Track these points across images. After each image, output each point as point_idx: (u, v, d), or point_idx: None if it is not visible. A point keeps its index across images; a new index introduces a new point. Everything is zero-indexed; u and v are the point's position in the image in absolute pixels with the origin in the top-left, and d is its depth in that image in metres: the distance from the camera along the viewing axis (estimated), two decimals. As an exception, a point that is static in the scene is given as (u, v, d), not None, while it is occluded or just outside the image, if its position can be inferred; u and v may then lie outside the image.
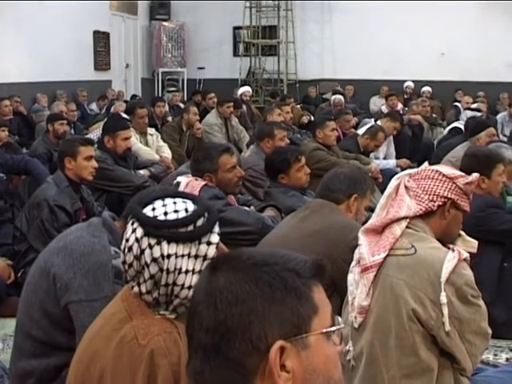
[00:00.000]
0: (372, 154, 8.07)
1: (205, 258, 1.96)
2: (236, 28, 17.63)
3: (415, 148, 9.43)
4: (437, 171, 2.63)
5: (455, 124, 9.56)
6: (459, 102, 12.90)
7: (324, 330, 1.29)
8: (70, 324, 2.77)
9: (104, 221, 2.87)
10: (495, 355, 3.98)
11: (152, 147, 7.63)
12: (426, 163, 7.65)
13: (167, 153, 7.71)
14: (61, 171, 4.81)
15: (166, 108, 11.01)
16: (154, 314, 1.99)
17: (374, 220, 2.63)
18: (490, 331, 2.56)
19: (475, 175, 2.69)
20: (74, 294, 2.75)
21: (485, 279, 4.08)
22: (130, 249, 1.98)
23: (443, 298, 2.38)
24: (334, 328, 1.32)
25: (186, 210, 1.98)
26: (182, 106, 12.29)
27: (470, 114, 9.98)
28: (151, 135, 7.76)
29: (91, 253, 2.77)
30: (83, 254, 2.77)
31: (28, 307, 2.89)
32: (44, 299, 2.83)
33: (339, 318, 1.37)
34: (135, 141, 7.12)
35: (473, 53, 14.94)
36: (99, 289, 2.74)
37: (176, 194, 2.10)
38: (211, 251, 1.97)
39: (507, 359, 3.94)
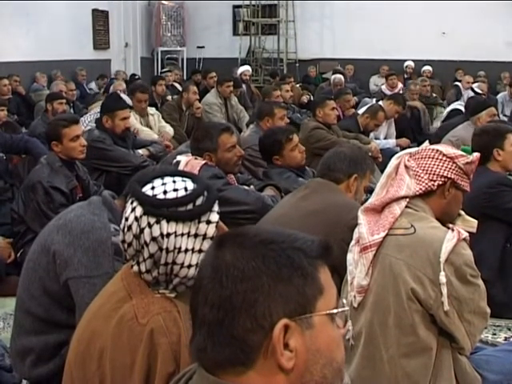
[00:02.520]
0: (372, 134, 8.05)
1: (204, 236, 1.97)
2: (236, 7, 17.54)
3: (414, 129, 9.41)
4: (437, 151, 2.62)
5: (455, 105, 9.51)
6: (459, 81, 12.87)
7: (329, 312, 1.29)
8: (69, 301, 2.79)
9: (104, 199, 2.88)
10: (494, 334, 4.00)
11: (154, 127, 7.60)
12: (426, 142, 7.64)
13: (169, 128, 7.72)
14: (53, 151, 4.79)
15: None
16: (154, 293, 1.99)
17: (374, 199, 2.63)
18: (488, 311, 2.56)
19: (476, 155, 2.68)
20: (73, 271, 2.76)
21: (487, 257, 4.10)
22: (130, 228, 1.98)
23: (442, 278, 2.38)
24: (339, 310, 1.31)
25: (186, 189, 1.98)
26: (177, 85, 12.22)
27: (471, 94, 9.94)
28: (152, 115, 7.74)
29: (91, 230, 2.78)
30: (83, 232, 2.78)
31: (28, 284, 2.90)
32: (44, 276, 2.84)
33: (344, 301, 1.36)
34: (134, 121, 7.09)
35: (473, 32, 14.87)
36: (99, 265, 2.75)
37: (175, 172, 2.11)
38: (211, 230, 1.97)
39: (506, 338, 3.95)
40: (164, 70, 15.04)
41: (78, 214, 2.87)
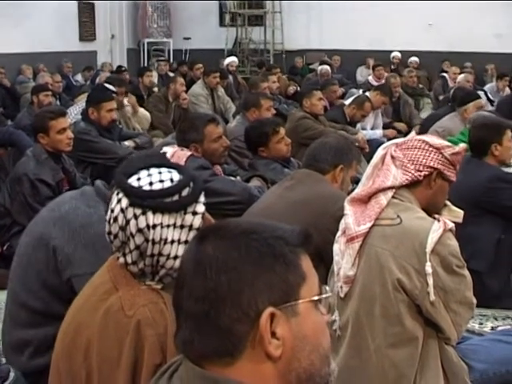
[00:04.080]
0: (359, 125, 8.07)
1: (190, 227, 1.96)
2: (222, -2, 17.51)
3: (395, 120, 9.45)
4: (423, 141, 2.62)
5: None
6: (446, 72, 12.89)
7: (313, 298, 1.30)
8: (71, 296, 2.76)
9: (97, 190, 2.85)
10: (480, 324, 4.02)
11: (132, 118, 7.53)
12: (413, 133, 7.66)
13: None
14: (39, 143, 4.76)
15: (155, 78, 10.94)
16: (140, 285, 1.99)
17: (360, 189, 2.62)
18: (474, 301, 2.57)
19: (462, 145, 2.69)
20: (77, 268, 2.73)
21: (482, 249, 4.13)
22: (116, 219, 1.97)
23: (428, 268, 2.39)
24: (323, 296, 1.32)
25: (172, 180, 1.97)
26: (171, 74, 12.19)
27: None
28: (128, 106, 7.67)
29: (89, 224, 2.75)
30: (82, 226, 2.76)
31: (24, 279, 2.87)
32: (42, 270, 2.81)
33: (326, 287, 1.37)
34: None
35: (460, 23, 14.90)
36: (101, 260, 2.71)
37: (161, 163, 2.09)
38: (197, 221, 1.97)
39: (492, 328, 3.97)
40: (161, 58, 14.98)
41: (73, 207, 2.84)
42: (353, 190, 2.84)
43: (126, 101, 7.60)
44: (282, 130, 4.83)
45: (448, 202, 2.76)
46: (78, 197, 2.91)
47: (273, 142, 4.74)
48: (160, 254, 1.95)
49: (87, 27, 15.13)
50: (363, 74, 14.84)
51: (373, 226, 2.51)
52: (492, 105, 9.67)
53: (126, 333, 1.89)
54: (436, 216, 2.56)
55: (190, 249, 1.33)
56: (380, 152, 2.66)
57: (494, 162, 4.32)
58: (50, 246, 2.79)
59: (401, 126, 9.29)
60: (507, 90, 11.77)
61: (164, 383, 1.33)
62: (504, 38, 14.87)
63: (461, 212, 2.76)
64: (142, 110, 7.91)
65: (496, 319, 4.10)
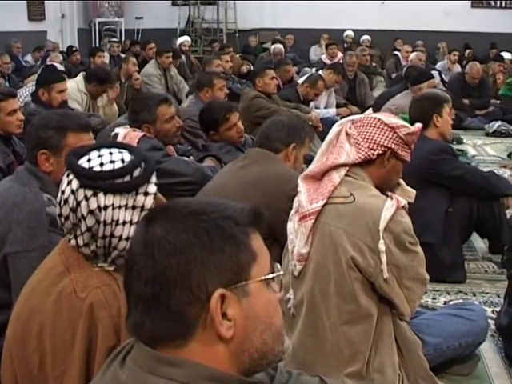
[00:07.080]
0: (312, 104, 8.09)
1: (142, 208, 1.94)
2: (174, -24, 17.37)
3: (350, 100, 9.49)
4: (379, 120, 2.61)
5: None
6: (399, 50, 13.00)
7: (263, 277, 1.30)
8: (9, 278, 2.73)
9: (28, 167, 2.82)
10: (433, 299, 4.07)
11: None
12: (369, 110, 7.70)
13: None
14: None
15: (106, 59, 10.81)
16: (93, 267, 1.97)
17: (314, 166, 2.62)
18: (427, 277, 2.60)
19: (418, 125, 2.69)
20: (9, 246, 2.69)
21: (431, 222, 4.17)
22: (66, 201, 1.94)
23: (381, 246, 2.40)
24: (273, 275, 1.32)
25: (123, 161, 1.95)
26: (123, 55, 12.09)
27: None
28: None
29: (23, 201, 2.72)
30: (15, 204, 2.72)
31: None
32: None
33: (278, 265, 1.36)
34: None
35: (412, 2, 15.01)
36: (34, 238, 2.69)
37: (112, 144, 2.07)
38: (149, 202, 1.95)
39: (445, 302, 4.03)
40: (113, 39, 14.80)
41: (7, 187, 2.81)
42: (305, 169, 2.84)
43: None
44: (234, 117, 4.71)
45: (402, 181, 2.78)
46: (14, 178, 2.88)
47: (223, 128, 4.66)
48: (112, 236, 1.93)
49: (36, 6, 14.86)
50: (316, 52, 14.91)
51: (326, 204, 2.51)
52: (445, 86, 9.79)
53: (79, 315, 1.87)
54: (389, 193, 2.57)
55: (139, 230, 1.32)
56: (335, 128, 2.66)
57: (435, 136, 4.36)
58: None
59: (355, 109, 9.33)
60: (458, 66, 11.95)
61: (117, 365, 1.32)
62: (454, 16, 15.04)
63: (413, 192, 2.78)
64: None
65: (448, 294, 4.16)
